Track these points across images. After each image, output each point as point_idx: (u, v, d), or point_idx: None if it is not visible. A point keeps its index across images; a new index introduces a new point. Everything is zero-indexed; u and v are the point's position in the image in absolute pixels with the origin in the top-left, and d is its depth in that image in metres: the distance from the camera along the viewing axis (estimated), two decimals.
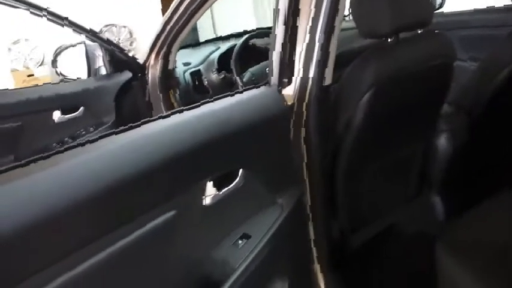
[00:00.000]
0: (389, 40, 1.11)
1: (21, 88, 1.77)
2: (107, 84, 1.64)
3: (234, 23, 5.71)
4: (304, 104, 0.98)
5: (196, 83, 1.84)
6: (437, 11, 2.42)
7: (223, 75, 1.81)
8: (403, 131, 1.31)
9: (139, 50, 5.94)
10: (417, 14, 1.14)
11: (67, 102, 1.55)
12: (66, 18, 1.54)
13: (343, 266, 1.21)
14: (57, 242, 0.55)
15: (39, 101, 1.48)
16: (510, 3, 1.56)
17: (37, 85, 1.68)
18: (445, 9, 2.38)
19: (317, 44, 0.95)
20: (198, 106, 0.77)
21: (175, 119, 0.72)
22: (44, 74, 5.17)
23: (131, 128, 0.66)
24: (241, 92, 0.87)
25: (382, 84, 1.07)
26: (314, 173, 1.01)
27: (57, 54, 1.87)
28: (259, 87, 0.92)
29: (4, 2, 1.38)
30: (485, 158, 1.49)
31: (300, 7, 0.92)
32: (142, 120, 0.69)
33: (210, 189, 0.74)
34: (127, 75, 1.71)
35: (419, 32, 1.19)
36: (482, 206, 1.15)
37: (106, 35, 5.67)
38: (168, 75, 1.78)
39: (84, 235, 0.57)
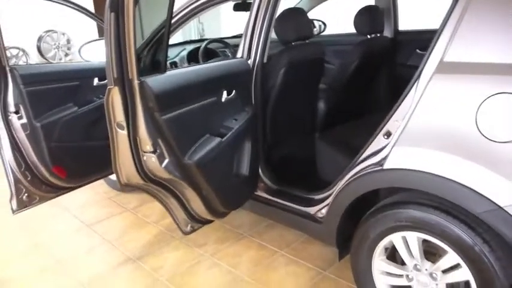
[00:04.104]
0: (293, 44, 2.28)
1: (79, 62, 2.63)
2: None
3: None
4: (254, 71, 2.11)
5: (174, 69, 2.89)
6: (322, 33, 3.79)
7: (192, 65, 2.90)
8: (300, 94, 2.49)
9: (77, 55, 6.66)
10: (305, 32, 2.33)
11: (100, 74, 2.49)
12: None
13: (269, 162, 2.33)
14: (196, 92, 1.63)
15: (87, 71, 2.42)
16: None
17: (88, 61, 2.58)
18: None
19: (261, 42, 2.09)
20: (215, 58, 1.89)
21: (213, 64, 1.81)
22: None
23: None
24: (230, 59, 1.99)
25: (289, 65, 2.22)
26: (257, 103, 2.14)
27: (83, 45, 2.74)
28: (236, 59, 2.05)
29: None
30: (341, 113, 2.73)
31: (255, 28, 2.07)
32: (213, 62, 1.79)
33: (225, 94, 1.84)
34: None
35: (307, 41, 2.38)
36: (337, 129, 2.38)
37: (47, 40, 6.34)
38: None
39: (203, 93, 1.65)
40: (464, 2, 1.44)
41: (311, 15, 3.85)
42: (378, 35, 2.79)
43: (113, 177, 3.27)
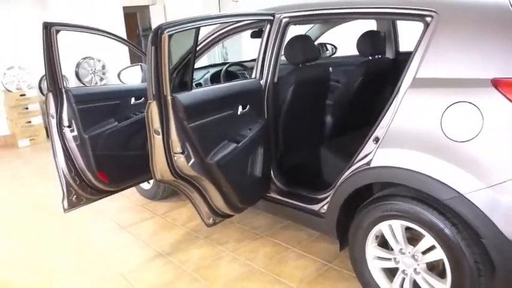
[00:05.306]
0: (300, 65, 2.65)
1: (118, 84, 3.06)
2: None
3: None
4: (266, 89, 2.48)
5: None
6: (333, 56, 4.17)
7: None
8: (308, 109, 2.84)
9: (111, 80, 7.21)
10: (311, 55, 2.69)
11: (137, 94, 2.92)
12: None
13: (281, 168, 2.68)
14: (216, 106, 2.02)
15: (126, 92, 2.86)
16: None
17: (125, 83, 3.02)
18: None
19: (272, 65, 2.47)
20: (235, 79, 2.27)
21: (229, 84, 2.20)
22: (34, 95, 6.29)
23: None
24: (246, 79, 2.37)
25: (297, 84, 2.59)
26: (269, 117, 2.50)
27: (121, 70, 3.18)
28: (251, 79, 2.43)
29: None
30: (346, 126, 3.06)
31: (266, 53, 2.45)
32: (230, 82, 2.19)
33: (240, 108, 2.22)
34: None
35: (313, 63, 2.74)
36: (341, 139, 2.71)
37: (84, 66, 6.92)
38: None
39: (222, 107, 2.05)
40: (430, 33, 1.81)
41: (324, 39, 4.25)
42: (380, 56, 3.13)
43: (145, 186, 3.69)
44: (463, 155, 1.67)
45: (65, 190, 2.64)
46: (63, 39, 2.52)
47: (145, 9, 8.56)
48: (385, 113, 1.94)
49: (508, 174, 1.56)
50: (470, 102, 1.65)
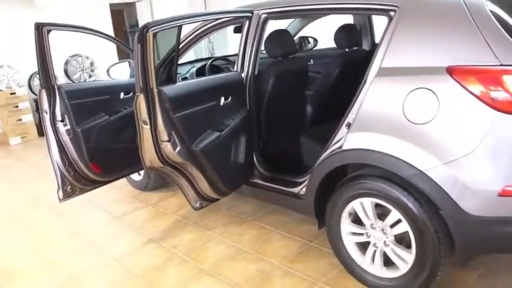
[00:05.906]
0: (279, 58, 2.81)
1: (108, 80, 3.19)
2: None
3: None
4: (248, 82, 2.65)
5: None
6: (315, 48, 4.34)
7: None
8: (288, 99, 3.01)
9: (99, 76, 7.31)
10: (289, 49, 2.86)
11: (126, 89, 3.07)
12: None
13: (264, 155, 2.85)
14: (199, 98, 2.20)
15: (115, 87, 3.01)
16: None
17: (114, 79, 3.16)
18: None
19: (252, 59, 2.63)
20: (219, 73, 2.44)
21: (212, 77, 2.36)
22: (23, 93, 6.39)
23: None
24: (228, 72, 2.54)
25: (276, 76, 2.75)
26: (251, 107, 2.67)
27: (110, 67, 3.31)
28: (232, 72, 2.59)
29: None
30: (325, 114, 3.23)
31: (246, 48, 2.62)
32: (212, 76, 2.36)
33: (222, 99, 2.38)
34: None
35: (292, 56, 2.91)
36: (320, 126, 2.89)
37: (72, 63, 7.01)
38: None
39: (205, 98, 2.22)
40: (393, 25, 1.99)
41: (307, 32, 4.42)
42: (356, 48, 3.30)
43: (135, 177, 3.84)
44: (422, 136, 1.85)
45: (59, 181, 2.79)
46: (52, 37, 2.65)
47: (132, 6, 8.65)
48: (355, 100, 2.12)
49: (460, 152, 1.75)
50: (428, 88, 1.83)
